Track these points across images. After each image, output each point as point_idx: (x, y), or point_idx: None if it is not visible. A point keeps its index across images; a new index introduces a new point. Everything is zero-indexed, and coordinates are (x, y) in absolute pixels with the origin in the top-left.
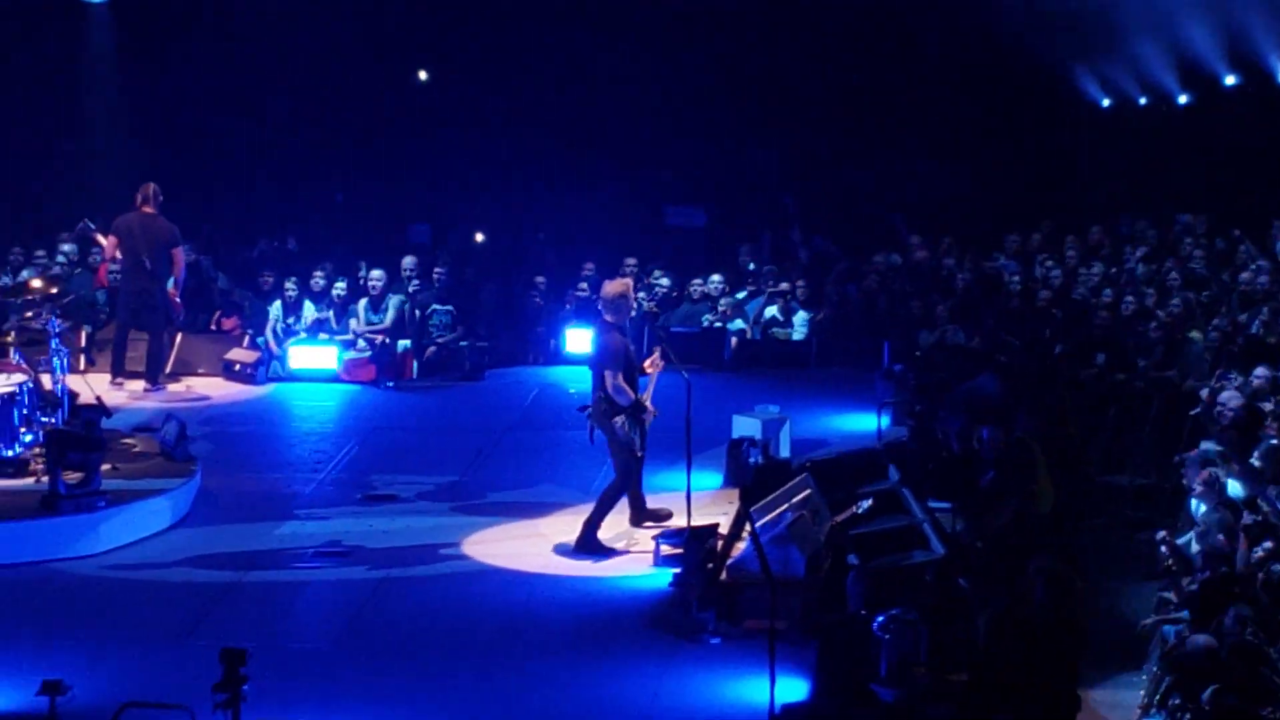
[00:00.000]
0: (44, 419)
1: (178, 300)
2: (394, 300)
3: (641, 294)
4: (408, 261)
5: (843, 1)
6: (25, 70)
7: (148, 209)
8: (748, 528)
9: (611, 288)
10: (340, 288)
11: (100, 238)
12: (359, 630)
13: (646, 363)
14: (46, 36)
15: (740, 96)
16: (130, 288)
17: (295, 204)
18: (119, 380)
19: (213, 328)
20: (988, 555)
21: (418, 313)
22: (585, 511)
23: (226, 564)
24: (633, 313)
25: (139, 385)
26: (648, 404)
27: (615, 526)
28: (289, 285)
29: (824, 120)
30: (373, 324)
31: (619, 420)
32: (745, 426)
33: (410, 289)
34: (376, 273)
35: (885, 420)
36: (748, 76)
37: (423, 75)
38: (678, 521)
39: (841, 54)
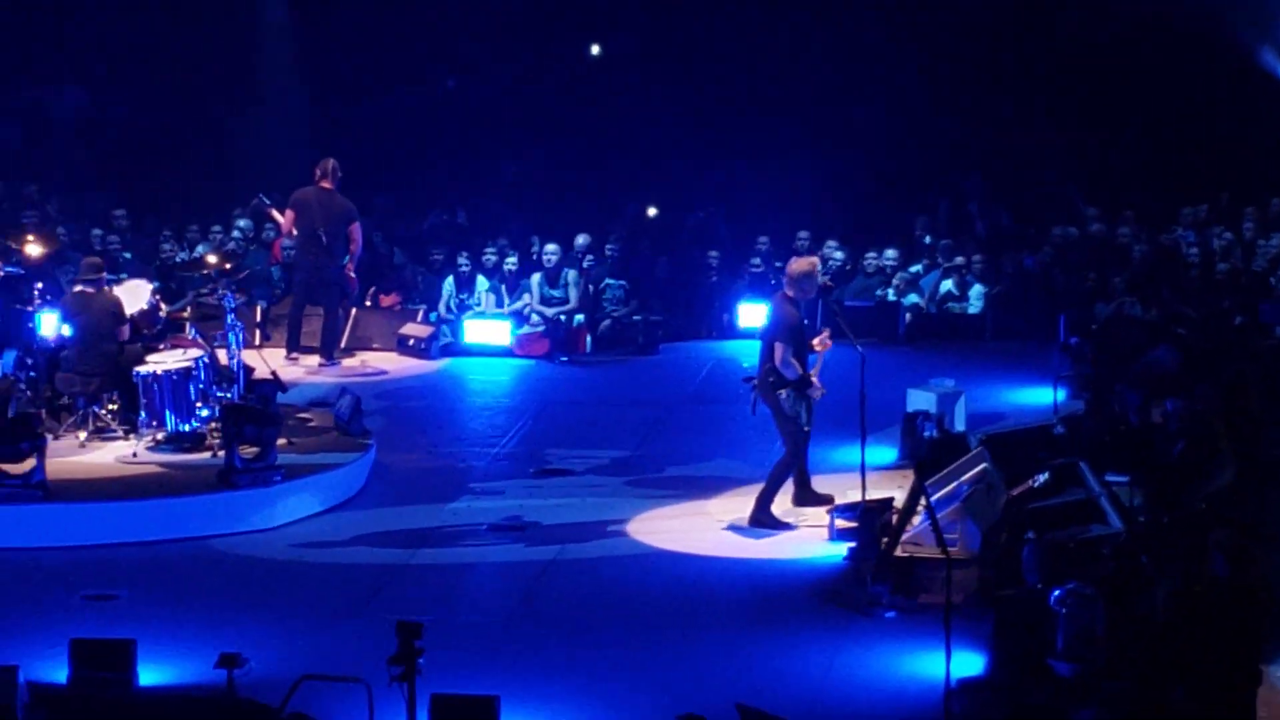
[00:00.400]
0: (220, 394)
1: (353, 276)
2: (572, 276)
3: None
4: (581, 240)
5: None
6: (200, 46)
7: (326, 184)
8: (923, 502)
9: (798, 264)
10: (512, 262)
11: (275, 213)
12: (534, 604)
13: (815, 340)
14: (220, 11)
15: (916, 67)
16: (306, 263)
17: (465, 177)
18: (294, 355)
19: (366, 303)
20: (1167, 529)
21: (590, 287)
22: (756, 489)
23: (401, 538)
24: (814, 292)
25: (314, 360)
26: (815, 381)
27: (783, 504)
28: (462, 260)
29: (1001, 91)
30: (546, 298)
31: (783, 394)
32: (920, 400)
33: (585, 265)
34: (551, 246)
35: (1062, 393)
36: (924, 46)
37: (596, 49)
38: (852, 496)
39: (1019, 22)
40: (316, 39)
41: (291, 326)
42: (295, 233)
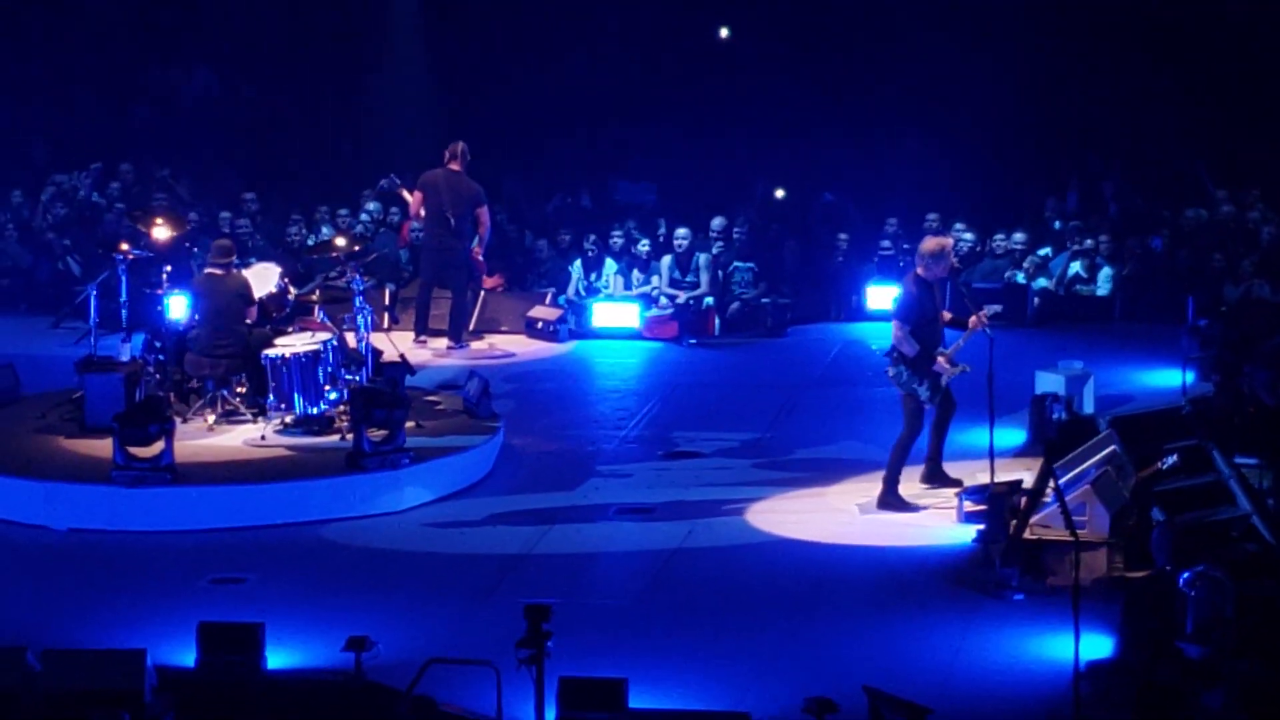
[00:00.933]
0: (349, 377)
1: (481, 259)
2: (703, 259)
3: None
4: (717, 222)
5: None
6: (330, 27)
7: (455, 166)
8: (1052, 484)
9: (928, 243)
10: (645, 246)
11: (405, 193)
12: (662, 588)
13: (972, 319)
14: None
15: (1044, 47)
16: (434, 245)
17: (592, 159)
18: (422, 338)
19: (484, 287)
20: None
21: (720, 271)
22: (882, 472)
23: (529, 521)
24: (945, 272)
25: (442, 343)
26: (950, 361)
27: (911, 485)
28: (588, 243)
29: (1130, 70)
30: (676, 282)
31: (892, 371)
32: (1049, 383)
33: (714, 250)
34: (681, 231)
35: (1190, 375)
36: (1053, 25)
37: (724, 31)
38: (981, 479)
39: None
40: (446, 20)
41: (419, 309)
42: (423, 215)
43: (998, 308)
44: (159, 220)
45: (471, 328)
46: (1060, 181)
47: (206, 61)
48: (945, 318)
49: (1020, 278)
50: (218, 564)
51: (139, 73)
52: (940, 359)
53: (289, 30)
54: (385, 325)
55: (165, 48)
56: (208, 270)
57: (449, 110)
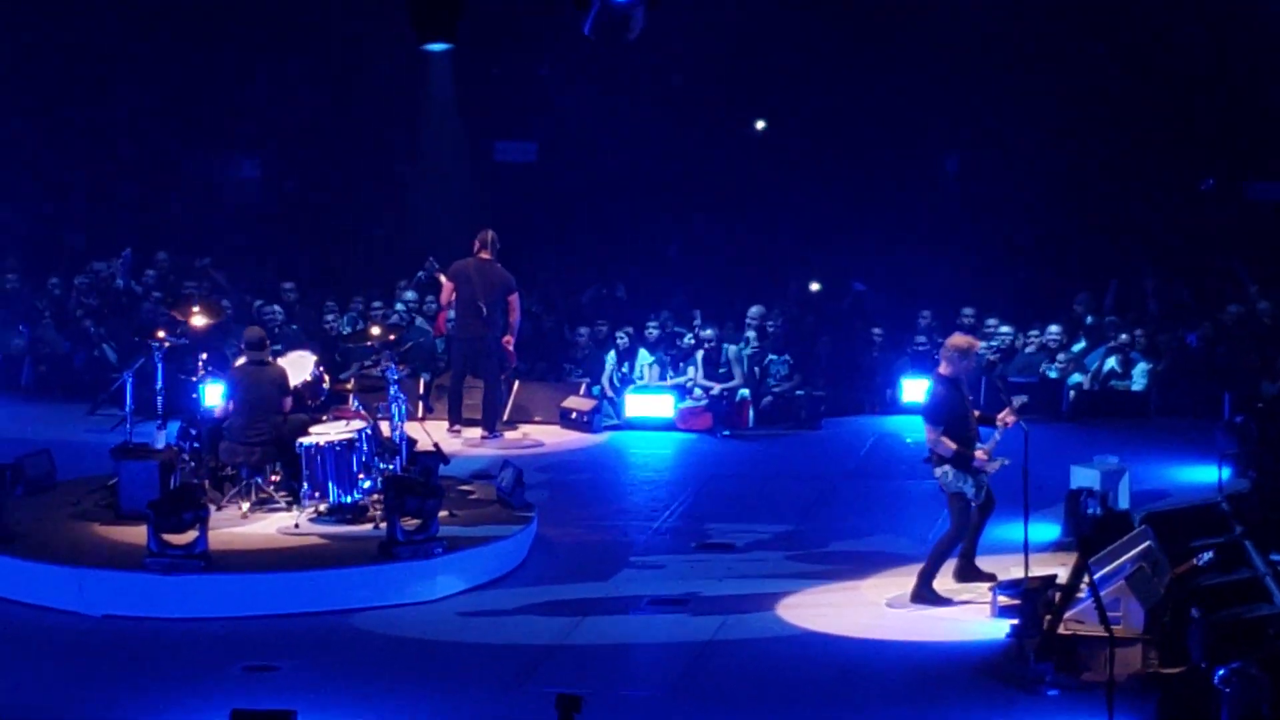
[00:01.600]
0: (383, 466)
1: (511, 349)
2: (732, 351)
3: (982, 344)
4: (754, 311)
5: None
6: (369, 120)
7: (485, 255)
8: (1086, 579)
9: (955, 340)
10: (689, 339)
11: (443, 277)
12: (694, 680)
13: (1000, 415)
14: (389, 86)
15: (1084, 143)
16: (465, 334)
17: (625, 251)
18: (456, 428)
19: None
20: None
21: (755, 368)
22: (917, 566)
23: (562, 611)
24: (972, 369)
25: (476, 432)
26: (989, 455)
27: (945, 580)
28: (621, 335)
29: (1164, 165)
30: (711, 374)
31: (939, 471)
32: (1084, 478)
33: (748, 336)
34: (708, 332)
35: (1227, 471)
36: (1092, 120)
37: (760, 125)
38: (1015, 573)
39: (1182, 97)
40: (481, 114)
41: (453, 399)
42: (453, 304)
43: (1024, 398)
44: (195, 308)
45: (505, 417)
46: (1095, 276)
47: (247, 151)
48: (975, 416)
49: (1053, 373)
50: (250, 652)
51: (180, 162)
52: (979, 454)
53: (329, 123)
54: (420, 414)
55: (206, 137)
56: (242, 360)
57: (484, 202)
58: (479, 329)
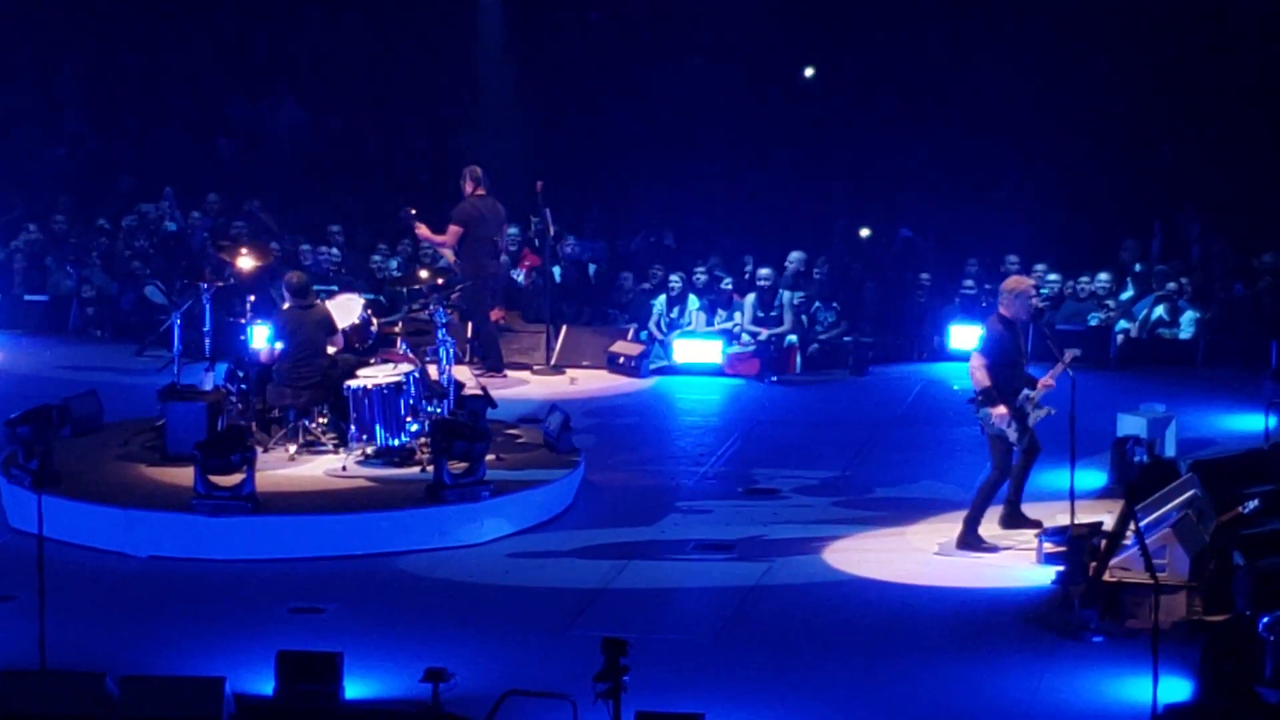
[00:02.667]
0: (430, 409)
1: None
2: (787, 297)
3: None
4: (795, 256)
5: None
6: (416, 61)
7: (482, 191)
8: (1132, 526)
9: (1010, 282)
10: (728, 283)
11: (423, 228)
12: (740, 624)
13: (1043, 380)
14: (438, 27)
15: (1134, 90)
16: (486, 273)
17: (675, 198)
18: (503, 371)
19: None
20: None
21: (803, 316)
22: (963, 512)
23: (608, 555)
24: (1026, 313)
25: (526, 375)
26: (1037, 401)
27: (991, 527)
28: (674, 279)
29: (1214, 116)
30: (759, 320)
31: (983, 413)
32: (1131, 425)
33: (788, 284)
34: (764, 271)
35: (1273, 420)
36: (1142, 68)
37: (809, 71)
38: (1061, 520)
39: (1237, 46)
40: (532, 56)
41: (493, 342)
42: (458, 248)
43: (1077, 351)
44: (244, 250)
45: (554, 361)
46: (1143, 225)
47: (292, 94)
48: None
49: (1094, 320)
50: (297, 593)
51: (227, 107)
52: (1030, 395)
53: (376, 65)
54: (467, 358)
55: (252, 82)
56: (288, 304)
57: (533, 143)
58: (496, 268)
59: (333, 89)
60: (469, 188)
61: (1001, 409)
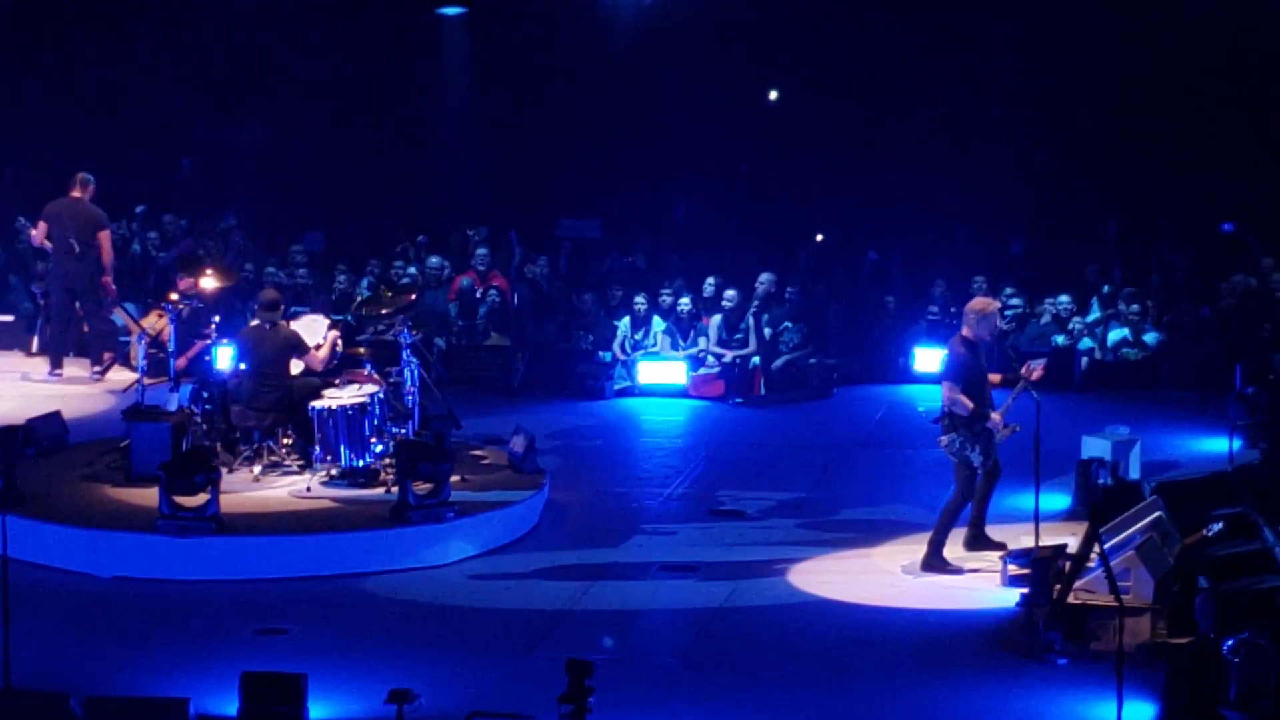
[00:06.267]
0: (395, 429)
1: (112, 284)
2: (752, 320)
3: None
4: (764, 278)
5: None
6: (381, 84)
7: (77, 193)
8: (1096, 549)
9: (977, 302)
10: (685, 304)
11: (35, 232)
12: (704, 646)
13: (1023, 369)
14: (402, 49)
15: (1091, 107)
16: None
17: (641, 220)
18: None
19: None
20: None
21: (767, 331)
22: (928, 534)
23: (573, 576)
24: (991, 334)
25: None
26: (1000, 420)
27: (955, 549)
28: (638, 300)
29: (1182, 136)
30: (724, 342)
31: (946, 438)
32: (1095, 447)
33: (755, 305)
34: (730, 292)
35: (1237, 443)
36: (1105, 92)
37: (774, 94)
38: (1025, 542)
39: (1198, 65)
40: (496, 81)
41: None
42: (49, 244)
43: (1044, 360)
44: (208, 271)
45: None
46: (1107, 247)
47: (258, 114)
48: (994, 380)
49: (1059, 339)
50: (261, 614)
51: (191, 126)
52: (994, 415)
53: (341, 86)
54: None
55: (218, 101)
56: (254, 322)
57: (501, 164)
58: (71, 264)
59: (298, 109)
60: (69, 190)
61: (996, 415)
